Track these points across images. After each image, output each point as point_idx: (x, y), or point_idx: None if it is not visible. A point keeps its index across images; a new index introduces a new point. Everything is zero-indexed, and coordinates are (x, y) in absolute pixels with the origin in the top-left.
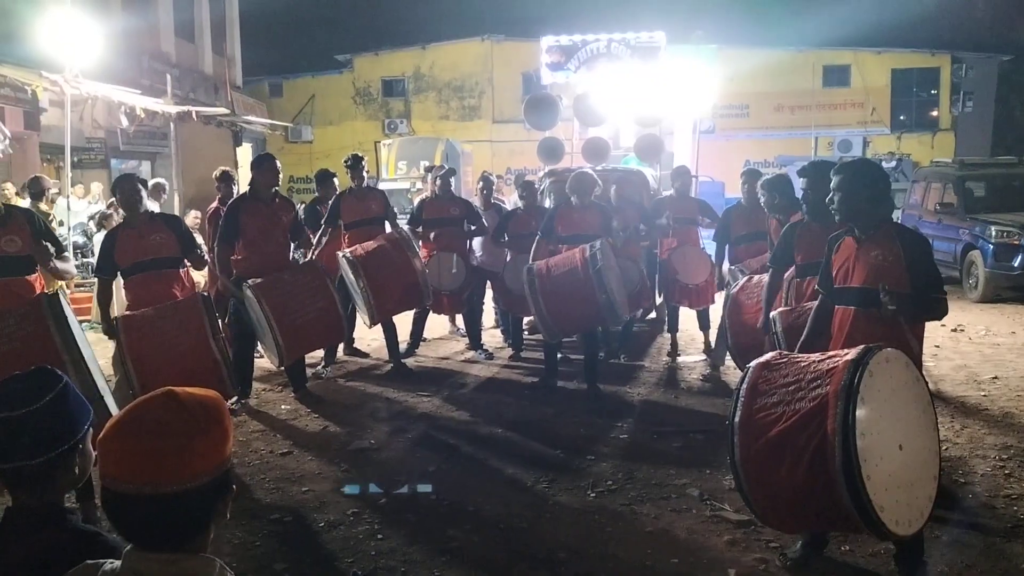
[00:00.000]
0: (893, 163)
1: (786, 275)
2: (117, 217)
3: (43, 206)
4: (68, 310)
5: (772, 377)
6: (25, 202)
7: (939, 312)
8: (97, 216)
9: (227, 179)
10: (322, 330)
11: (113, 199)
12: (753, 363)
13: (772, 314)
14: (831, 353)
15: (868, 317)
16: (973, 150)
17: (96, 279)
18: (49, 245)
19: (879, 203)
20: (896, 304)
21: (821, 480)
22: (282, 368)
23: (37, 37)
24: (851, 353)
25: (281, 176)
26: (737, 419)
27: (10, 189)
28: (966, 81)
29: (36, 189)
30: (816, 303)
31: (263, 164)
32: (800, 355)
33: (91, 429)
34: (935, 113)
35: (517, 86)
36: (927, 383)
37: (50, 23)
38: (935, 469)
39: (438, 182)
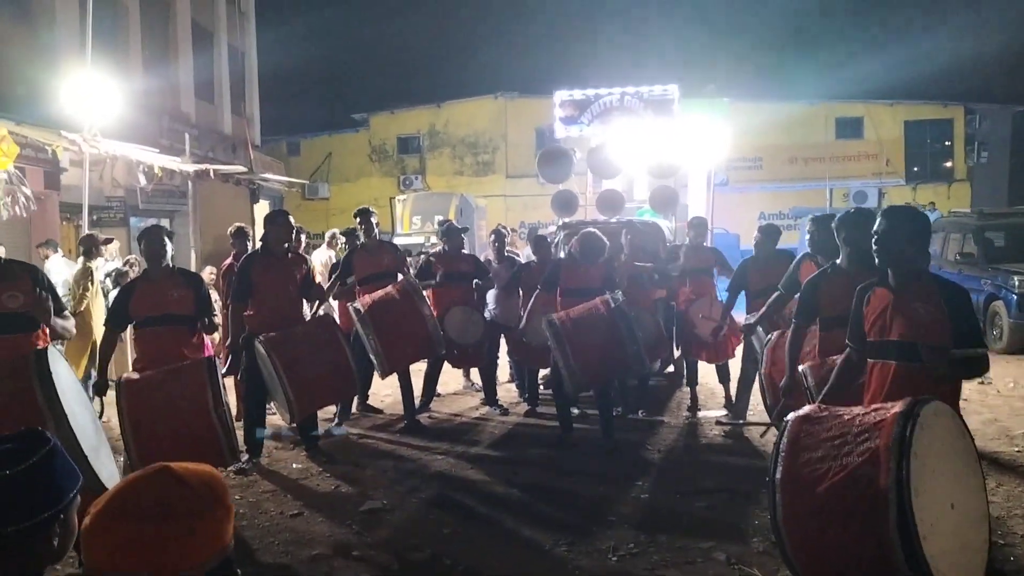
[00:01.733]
0: (933, 214)
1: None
2: (133, 274)
3: (95, 263)
4: (59, 366)
5: (814, 431)
6: (78, 260)
7: (982, 369)
8: (114, 273)
9: (241, 235)
10: (334, 385)
11: (130, 256)
12: (791, 417)
13: (802, 368)
14: (876, 406)
15: (910, 371)
16: (989, 200)
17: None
18: (51, 302)
19: (921, 251)
20: (941, 363)
21: (873, 540)
22: (294, 425)
23: (57, 97)
24: (898, 405)
25: (294, 231)
26: (779, 476)
27: (113, 246)
28: (980, 132)
29: (87, 246)
30: (842, 357)
31: (275, 220)
32: (841, 408)
33: (78, 498)
34: (949, 164)
35: (531, 141)
36: (973, 439)
37: (70, 84)
38: (986, 532)
39: (446, 239)
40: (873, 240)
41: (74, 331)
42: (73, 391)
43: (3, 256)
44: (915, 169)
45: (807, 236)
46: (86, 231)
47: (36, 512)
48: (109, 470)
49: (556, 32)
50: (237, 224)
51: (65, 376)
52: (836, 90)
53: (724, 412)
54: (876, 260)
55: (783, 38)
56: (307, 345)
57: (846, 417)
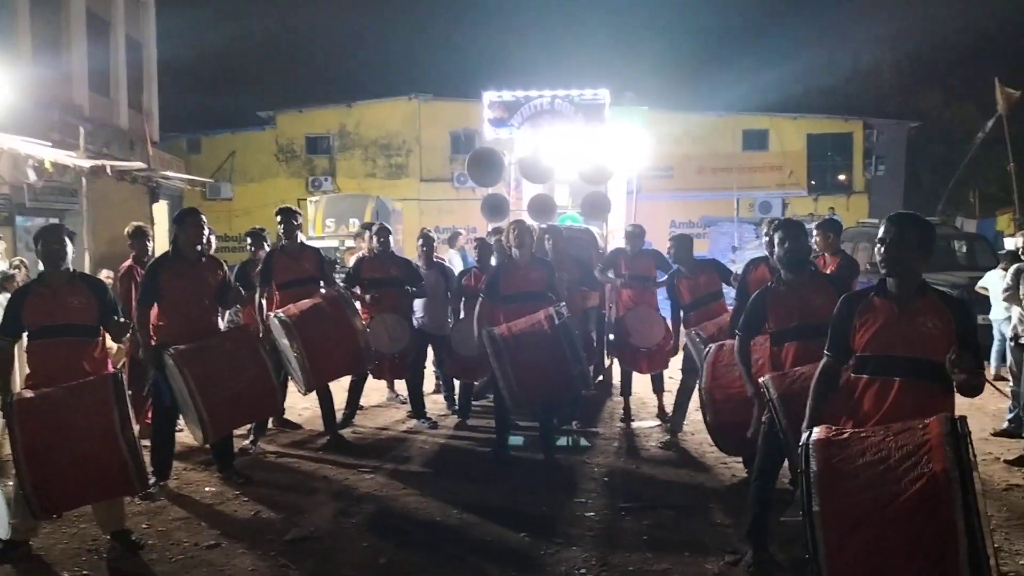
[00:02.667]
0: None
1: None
2: (20, 277)
3: None
4: None
5: (846, 456)
6: None
7: (980, 389)
8: (7, 275)
9: (141, 235)
10: (253, 403)
11: (17, 259)
12: (811, 443)
13: (763, 379)
14: (901, 426)
15: (915, 388)
16: (886, 211)
17: None
18: None
19: (926, 260)
20: (975, 379)
21: (939, 572)
22: (207, 445)
23: None
24: (933, 424)
25: (206, 232)
26: (817, 509)
27: None
28: (878, 146)
29: None
30: (819, 368)
31: (185, 219)
32: (860, 429)
33: None
34: (848, 176)
35: (445, 144)
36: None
37: None
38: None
39: (376, 240)
40: (880, 247)
41: None
42: None
43: None
44: (812, 182)
45: (763, 240)
46: None
47: None
48: None
49: (472, 34)
50: (135, 223)
51: None
52: (744, 103)
53: (657, 423)
54: (884, 268)
55: (696, 50)
56: (224, 359)
57: (875, 438)
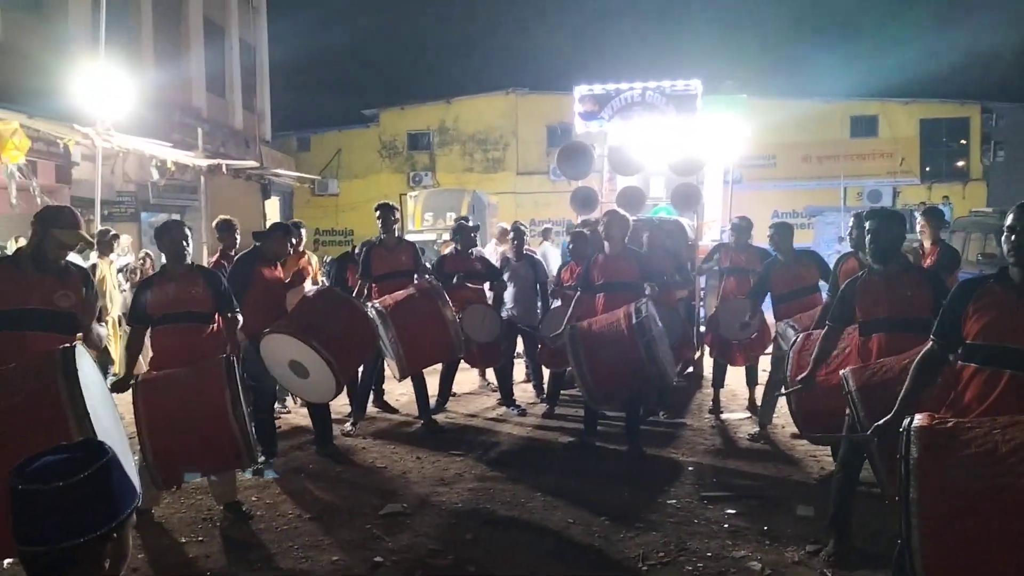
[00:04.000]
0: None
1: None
2: (146, 270)
3: (106, 261)
4: (85, 364)
5: (951, 445)
6: (94, 255)
7: None
8: (126, 269)
9: (228, 228)
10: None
11: (143, 252)
12: (913, 428)
13: (843, 372)
14: (1008, 419)
15: None
16: (1005, 200)
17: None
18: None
19: None
20: None
21: None
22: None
23: (70, 91)
24: None
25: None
26: (914, 496)
27: (124, 240)
28: (996, 131)
29: (104, 241)
30: (921, 354)
31: (273, 233)
32: (964, 420)
33: (133, 516)
34: (965, 163)
35: (542, 138)
36: None
37: (83, 78)
38: None
39: (452, 239)
40: (1010, 235)
41: (105, 342)
42: (98, 390)
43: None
44: (929, 168)
45: (849, 233)
46: (98, 226)
47: (85, 530)
48: (130, 474)
49: (568, 28)
50: (222, 217)
51: (90, 374)
52: (852, 88)
53: (747, 415)
54: (1010, 258)
55: (800, 35)
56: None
57: (979, 430)
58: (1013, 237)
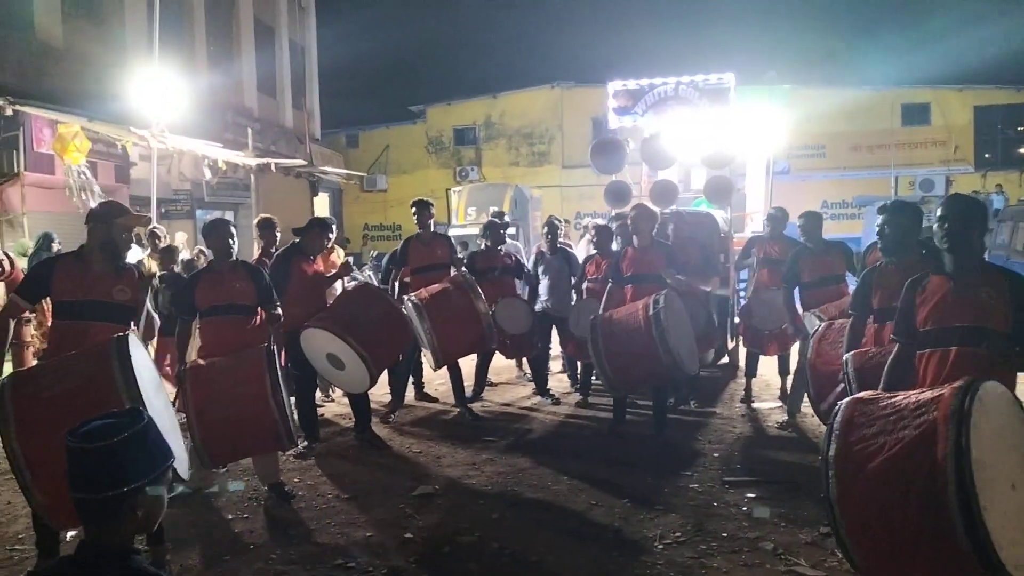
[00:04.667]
0: (1000, 197)
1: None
2: (200, 265)
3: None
4: (138, 352)
5: (869, 410)
6: (145, 253)
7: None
8: (182, 264)
9: (268, 226)
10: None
11: (199, 248)
12: (847, 399)
13: (846, 356)
14: (934, 388)
15: (973, 356)
16: None
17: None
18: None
19: (982, 237)
20: (1009, 350)
21: (932, 512)
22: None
23: (127, 94)
24: (957, 382)
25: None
26: (832, 452)
27: (180, 237)
28: None
29: (154, 240)
30: (891, 356)
31: (311, 229)
32: (897, 393)
33: (169, 473)
34: (1022, 150)
35: (586, 131)
36: None
37: (139, 81)
38: None
39: (482, 236)
40: (940, 226)
41: (155, 332)
42: (149, 376)
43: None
44: (986, 156)
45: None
46: (155, 224)
47: (118, 484)
48: (179, 454)
49: (612, 20)
50: (263, 215)
51: (143, 361)
52: (902, 75)
53: (779, 404)
54: (944, 244)
55: (847, 23)
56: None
57: (900, 398)
58: (946, 225)
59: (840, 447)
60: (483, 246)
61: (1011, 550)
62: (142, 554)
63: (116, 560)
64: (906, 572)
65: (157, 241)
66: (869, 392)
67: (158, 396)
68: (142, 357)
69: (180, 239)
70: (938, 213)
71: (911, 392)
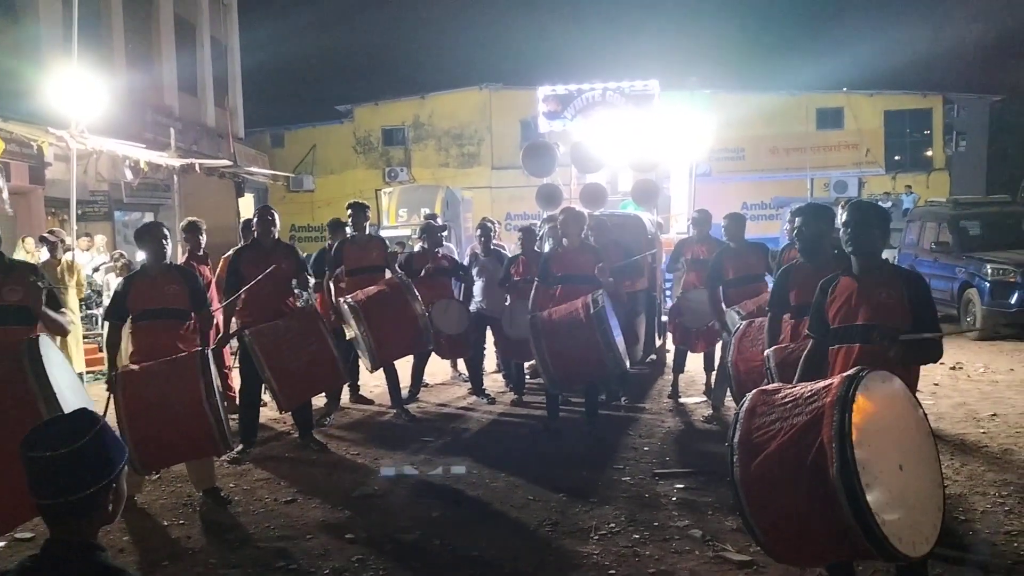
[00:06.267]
0: (910, 197)
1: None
2: (119, 270)
3: (58, 257)
4: (51, 352)
5: (771, 400)
6: (43, 254)
7: (935, 355)
8: (102, 267)
9: (193, 229)
10: (318, 374)
11: (117, 252)
12: (753, 391)
13: (767, 351)
14: (829, 378)
15: (873, 353)
16: (968, 189)
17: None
18: (44, 295)
19: (883, 240)
20: (892, 345)
21: (821, 492)
22: (283, 413)
23: (43, 94)
24: (848, 372)
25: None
26: (736, 439)
27: (29, 243)
28: (958, 121)
29: (51, 242)
30: (806, 351)
31: (258, 215)
32: (800, 384)
33: (126, 468)
34: (929, 153)
35: (516, 133)
36: (927, 417)
37: (56, 80)
38: (939, 500)
39: (419, 238)
40: (845, 230)
41: (67, 327)
42: (66, 377)
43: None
44: (896, 158)
45: (787, 227)
46: (73, 225)
47: (93, 482)
48: None
49: (540, 24)
50: (189, 219)
51: (57, 362)
52: (816, 81)
53: (704, 399)
54: (849, 248)
55: (766, 30)
56: (290, 336)
57: (799, 388)
58: (850, 230)
59: (743, 433)
60: (419, 248)
61: (894, 524)
62: (105, 550)
63: (82, 557)
64: (802, 548)
65: (58, 243)
66: (774, 384)
67: (76, 396)
68: (56, 358)
69: (99, 242)
70: (842, 219)
71: (809, 383)
